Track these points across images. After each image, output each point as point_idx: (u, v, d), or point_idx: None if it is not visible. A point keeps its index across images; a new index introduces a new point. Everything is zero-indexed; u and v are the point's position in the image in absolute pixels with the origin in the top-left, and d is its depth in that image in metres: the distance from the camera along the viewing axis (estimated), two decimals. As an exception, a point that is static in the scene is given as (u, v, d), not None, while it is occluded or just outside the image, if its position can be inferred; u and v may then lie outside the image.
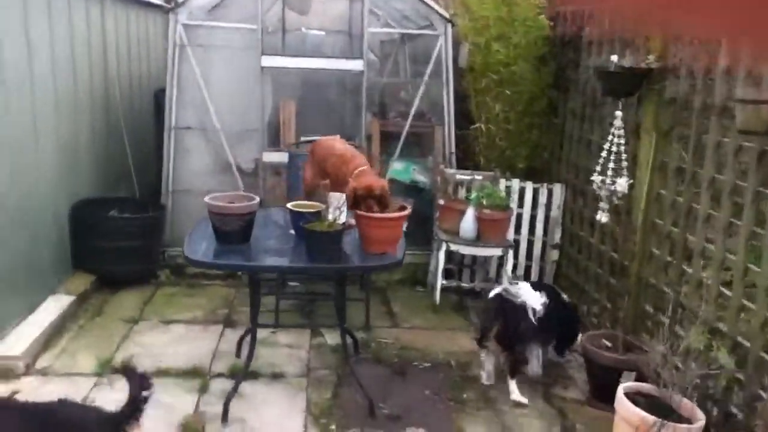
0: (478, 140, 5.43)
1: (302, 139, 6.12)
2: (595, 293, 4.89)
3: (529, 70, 5.22)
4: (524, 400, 3.76)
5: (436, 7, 5.31)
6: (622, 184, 3.98)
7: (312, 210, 3.31)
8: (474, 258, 5.32)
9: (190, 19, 5.19)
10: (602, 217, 4.12)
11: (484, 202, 4.81)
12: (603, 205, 4.10)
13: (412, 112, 5.49)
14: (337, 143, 3.57)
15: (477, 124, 5.27)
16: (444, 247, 4.82)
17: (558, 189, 5.32)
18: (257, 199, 3.29)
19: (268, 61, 5.15)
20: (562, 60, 5.32)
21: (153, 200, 5.47)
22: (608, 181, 4.03)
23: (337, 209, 3.12)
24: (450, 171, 5.30)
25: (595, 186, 4.08)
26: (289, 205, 3.40)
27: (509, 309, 3.80)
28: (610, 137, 4.05)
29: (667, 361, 3.20)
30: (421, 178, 5.57)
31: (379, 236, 3.18)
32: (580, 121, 5.16)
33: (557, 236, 5.39)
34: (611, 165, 4.03)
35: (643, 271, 4.15)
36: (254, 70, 5.16)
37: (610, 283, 4.61)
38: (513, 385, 3.78)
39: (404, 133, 5.49)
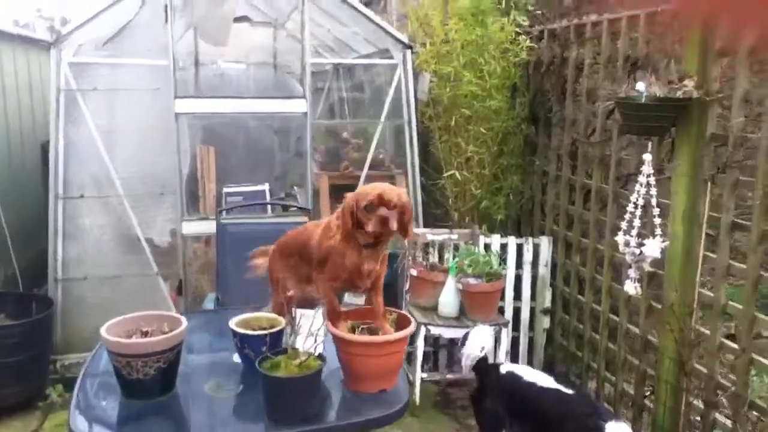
0: (449, 190, 4.48)
1: (227, 200, 5.05)
2: (608, 372, 3.99)
3: (503, 102, 4.34)
4: None
5: (392, 30, 4.35)
6: (654, 246, 3.11)
7: (268, 329, 2.25)
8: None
9: (79, 55, 4.02)
10: (631, 288, 3.23)
11: (469, 270, 3.85)
12: (632, 273, 3.21)
13: (368, 159, 4.49)
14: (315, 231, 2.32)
15: (450, 171, 4.32)
16: (422, 332, 3.82)
17: (545, 243, 4.44)
18: (183, 323, 2.19)
19: (183, 105, 4.04)
20: (542, 88, 4.47)
21: (40, 292, 4.22)
22: (633, 242, 3.15)
23: (310, 333, 2.05)
24: (418, 230, 4.32)
25: (621, 249, 3.19)
26: (232, 324, 2.32)
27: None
28: (637, 187, 3.18)
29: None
30: (382, 239, 4.57)
31: (374, 368, 2.15)
32: (570, 161, 4.31)
33: (547, 299, 4.49)
34: (636, 222, 3.16)
35: (683, 352, 3.28)
36: (166, 117, 4.04)
37: (629, 361, 3.73)
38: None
39: (359, 186, 4.48)
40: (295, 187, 5.30)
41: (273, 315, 2.39)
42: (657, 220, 3.12)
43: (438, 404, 4.06)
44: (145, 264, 4.19)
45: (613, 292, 3.89)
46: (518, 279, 4.38)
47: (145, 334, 2.17)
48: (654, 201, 3.14)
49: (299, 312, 2.17)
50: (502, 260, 4.07)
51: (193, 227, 4.15)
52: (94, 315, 4.13)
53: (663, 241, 3.14)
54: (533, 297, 4.48)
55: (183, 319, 2.22)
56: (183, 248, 4.17)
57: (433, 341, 4.29)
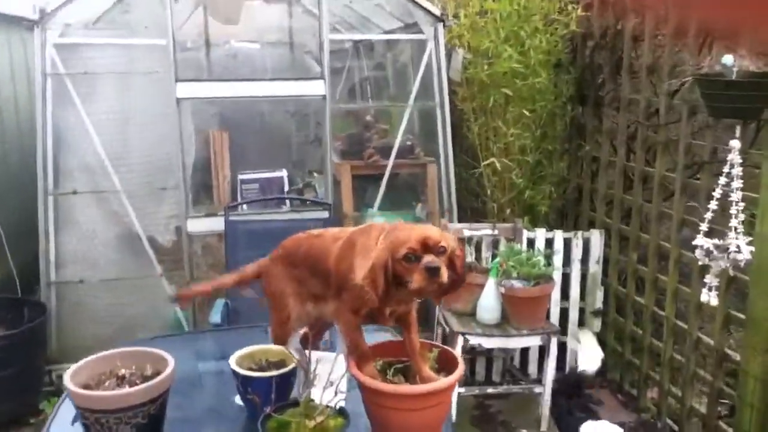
0: (486, 180, 3.97)
1: (242, 188, 4.59)
2: (672, 386, 3.49)
3: (547, 80, 3.81)
4: None
5: (421, 1, 3.82)
6: (744, 248, 2.58)
7: (274, 371, 1.79)
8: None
9: (66, 36, 3.56)
10: (711, 297, 2.71)
11: (513, 272, 3.35)
12: (711, 279, 2.69)
13: (396, 145, 3.99)
14: (329, 237, 1.86)
15: (489, 159, 3.80)
16: (459, 342, 3.33)
17: (596, 237, 3.92)
18: (170, 364, 1.73)
19: (185, 89, 3.57)
20: (592, 64, 3.93)
21: (35, 296, 3.82)
22: (714, 244, 2.62)
23: (329, 382, 1.58)
24: (453, 225, 3.82)
25: (699, 253, 2.66)
26: (232, 363, 1.85)
27: None
28: (722, 180, 2.64)
29: None
30: (411, 234, 4.09)
31: (411, 423, 1.68)
32: (627, 145, 3.78)
33: (599, 299, 3.98)
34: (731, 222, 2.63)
35: (773, 373, 2.76)
36: (167, 103, 3.58)
37: (699, 375, 3.22)
38: None
39: (386, 176, 3.99)
40: (315, 174, 4.84)
41: (281, 349, 1.92)
42: (740, 217, 2.60)
43: (476, 419, 3.60)
44: (147, 265, 3.76)
45: (681, 295, 3.37)
46: (565, 277, 3.87)
47: (122, 379, 1.72)
48: (739, 195, 2.61)
49: (315, 355, 1.70)
50: (548, 258, 3.55)
51: (199, 224, 3.71)
52: (92, 321, 3.74)
53: (748, 242, 2.62)
54: (582, 297, 3.98)
55: (169, 358, 1.76)
56: (188, 247, 3.72)
57: (470, 348, 3.80)
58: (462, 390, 3.42)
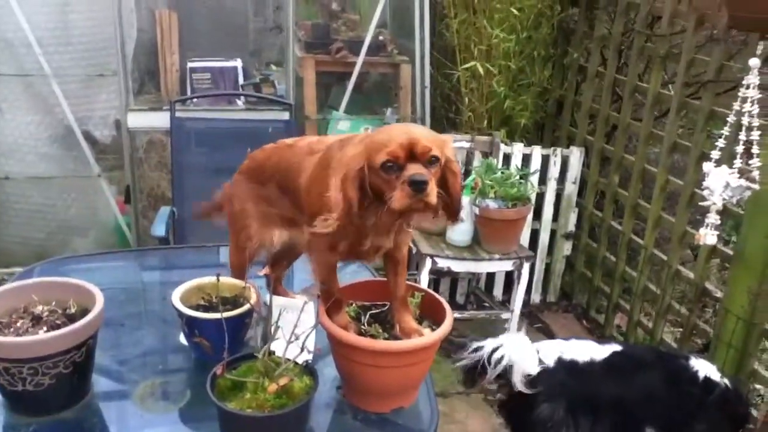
0: (465, 85, 3.62)
1: (192, 77, 4.12)
2: (644, 317, 3.37)
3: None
4: None
5: None
6: (754, 180, 2.35)
7: (228, 311, 1.49)
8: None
9: None
10: (707, 236, 2.49)
11: (489, 192, 3.08)
12: (713, 217, 2.46)
13: (367, 41, 3.57)
14: (301, 147, 1.51)
15: (470, 63, 3.44)
16: (428, 265, 3.09)
17: (576, 155, 3.66)
18: (98, 300, 1.41)
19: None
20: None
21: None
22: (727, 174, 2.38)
23: (295, 336, 1.29)
24: (425, 135, 3.49)
25: (707, 189, 2.42)
26: (175, 300, 1.54)
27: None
28: (737, 105, 2.36)
29: None
30: (378, 141, 3.75)
31: (388, 381, 1.42)
32: (617, 55, 3.46)
33: (571, 222, 3.78)
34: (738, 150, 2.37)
35: (759, 314, 2.62)
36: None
37: (675, 309, 3.08)
38: None
39: (354, 75, 3.59)
40: (273, 66, 4.38)
41: (235, 281, 1.62)
42: (756, 150, 2.35)
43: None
44: (83, 163, 3.34)
45: (664, 224, 3.18)
46: (538, 197, 3.63)
47: (38, 319, 1.40)
48: (756, 122, 2.34)
49: (279, 302, 1.40)
50: (524, 177, 3.28)
51: (141, 119, 3.29)
52: (21, 222, 3.36)
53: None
54: (554, 218, 3.76)
55: (97, 293, 1.44)
56: (130, 145, 3.31)
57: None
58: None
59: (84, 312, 1.41)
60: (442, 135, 1.33)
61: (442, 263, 3.11)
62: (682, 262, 3.15)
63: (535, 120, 3.88)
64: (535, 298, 3.82)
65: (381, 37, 3.71)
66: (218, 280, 1.49)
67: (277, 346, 1.33)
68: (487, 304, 3.58)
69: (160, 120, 3.17)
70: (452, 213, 1.31)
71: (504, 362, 2.10)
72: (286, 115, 3.20)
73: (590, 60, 3.64)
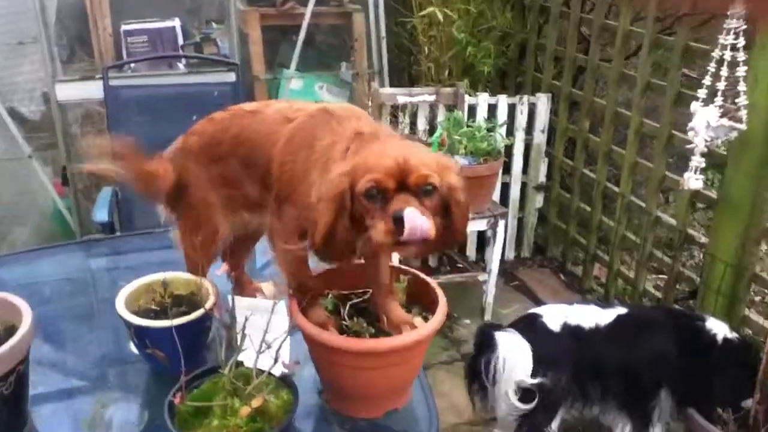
0: (423, 33, 3.37)
1: (127, 41, 3.77)
2: (624, 268, 3.25)
3: None
4: None
5: None
6: (741, 119, 2.21)
7: (177, 318, 1.28)
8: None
9: None
10: (691, 180, 2.35)
11: (459, 148, 2.88)
12: (696, 160, 2.32)
13: (315, -10, 3.28)
14: (268, 111, 1.28)
15: (428, 8, 3.19)
16: (398, 228, 2.89)
17: (543, 102, 3.48)
18: (26, 316, 1.18)
19: None
20: None
21: None
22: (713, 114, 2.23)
23: (266, 345, 1.08)
24: (385, 90, 3.26)
25: (692, 131, 2.27)
26: (119, 306, 1.31)
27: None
28: (721, 40, 2.20)
29: None
30: (334, 99, 3.50)
31: (375, 383, 1.23)
32: (581, -6, 3.26)
33: (542, 173, 3.63)
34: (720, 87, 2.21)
35: (747, 258, 2.51)
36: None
37: (656, 257, 2.97)
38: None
39: (303, 28, 3.30)
40: (214, 24, 4.04)
41: (194, 278, 1.40)
42: (742, 87, 2.20)
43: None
44: (11, 143, 3.01)
45: (640, 170, 3.04)
46: (507, 149, 3.44)
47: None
48: (741, 56, 2.18)
49: (243, 303, 1.18)
50: (491, 130, 3.07)
51: (72, 90, 2.97)
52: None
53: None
54: (524, 170, 3.60)
55: (24, 307, 1.21)
56: (62, 120, 3.00)
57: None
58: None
59: (10, 331, 1.18)
60: (445, 158, 1.12)
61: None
62: (660, 207, 3.02)
63: (498, 67, 3.67)
64: (509, 254, 3.67)
65: (330, -15, 3.43)
66: (165, 285, 1.26)
67: (246, 357, 1.12)
68: (461, 265, 3.41)
69: (94, 90, 2.85)
70: (449, 244, 1.11)
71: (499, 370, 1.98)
72: (232, 77, 2.92)
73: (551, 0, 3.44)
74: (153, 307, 1.37)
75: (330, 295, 1.30)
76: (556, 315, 2.17)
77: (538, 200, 3.67)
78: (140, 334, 1.29)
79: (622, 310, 2.20)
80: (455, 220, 1.09)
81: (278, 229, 1.20)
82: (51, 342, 1.46)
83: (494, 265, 3.07)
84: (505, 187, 3.55)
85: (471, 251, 3.58)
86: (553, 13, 3.45)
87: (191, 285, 1.41)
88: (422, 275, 1.36)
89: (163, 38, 4.14)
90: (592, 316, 2.17)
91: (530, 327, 2.15)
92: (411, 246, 1.03)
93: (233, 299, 1.14)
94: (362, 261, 1.26)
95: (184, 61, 3.39)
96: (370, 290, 1.30)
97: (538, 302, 3.35)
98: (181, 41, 3.74)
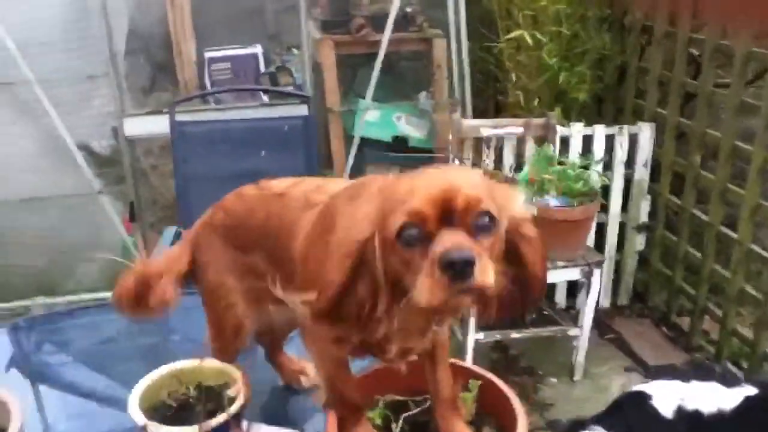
0: (509, 59, 3.09)
1: (211, 69, 3.69)
2: (740, 326, 2.83)
3: None
4: None
5: None
6: None
7: (215, 397, 1.07)
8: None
9: None
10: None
11: (549, 188, 2.57)
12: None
13: (392, 15, 3.05)
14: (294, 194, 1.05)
15: (516, 31, 2.91)
16: (479, 276, 2.60)
17: (646, 133, 3.11)
18: (15, 417, 0.99)
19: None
20: None
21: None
22: None
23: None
24: (468, 121, 2.99)
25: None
26: (132, 406, 1.11)
27: None
28: None
29: None
30: (414, 131, 3.26)
31: None
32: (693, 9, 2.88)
33: (644, 212, 3.24)
34: None
35: None
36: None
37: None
38: None
39: (380, 55, 3.08)
40: (295, 51, 3.91)
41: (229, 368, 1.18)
42: None
43: (494, 364, 2.94)
44: (80, 179, 2.95)
45: (763, 213, 2.62)
46: (604, 186, 3.08)
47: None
48: None
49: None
50: (586, 167, 2.72)
51: (140, 125, 2.87)
52: (17, 251, 3.00)
53: None
54: (623, 208, 3.22)
55: (14, 405, 1.02)
56: (130, 155, 2.91)
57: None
58: (480, 336, 2.72)
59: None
60: (499, 183, 0.84)
61: (496, 275, 2.61)
62: (790, 259, 2.60)
63: (594, 93, 3.32)
64: (604, 302, 3.29)
65: (408, 9, 3.19)
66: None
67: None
68: (546, 312, 3.07)
69: (162, 125, 2.73)
70: (527, 301, 0.83)
71: None
72: (304, 110, 2.73)
73: (656, 18, 3.07)
74: (177, 401, 1.17)
75: (379, 403, 1.05)
76: (668, 395, 1.80)
77: (639, 242, 3.28)
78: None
79: (751, 391, 1.81)
80: (528, 265, 0.82)
81: (310, 328, 0.96)
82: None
83: (587, 320, 2.73)
84: (601, 227, 3.19)
85: (560, 297, 3.23)
86: (657, 32, 3.09)
87: (224, 375, 1.20)
88: (498, 381, 1.08)
89: (246, 65, 4.04)
90: (714, 397, 1.79)
91: (636, 412, 1.80)
92: (466, 304, 0.78)
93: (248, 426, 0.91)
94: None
95: (260, 93, 3.26)
96: (428, 395, 1.04)
97: (636, 359, 2.97)
98: (263, 68, 3.62)
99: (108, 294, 2.82)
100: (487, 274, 0.73)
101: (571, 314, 3.13)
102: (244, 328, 1.13)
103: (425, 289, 0.73)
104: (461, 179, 0.77)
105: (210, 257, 1.13)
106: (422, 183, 0.77)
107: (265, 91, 3.10)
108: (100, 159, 3.04)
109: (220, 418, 1.06)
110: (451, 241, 0.72)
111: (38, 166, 2.94)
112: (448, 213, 0.74)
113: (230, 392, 1.13)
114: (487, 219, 0.76)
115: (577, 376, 2.81)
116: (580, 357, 2.78)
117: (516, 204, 0.82)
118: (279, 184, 1.08)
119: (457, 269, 0.71)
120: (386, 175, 0.86)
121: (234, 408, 1.08)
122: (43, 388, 1.50)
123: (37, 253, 3.01)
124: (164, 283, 1.14)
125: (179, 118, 2.63)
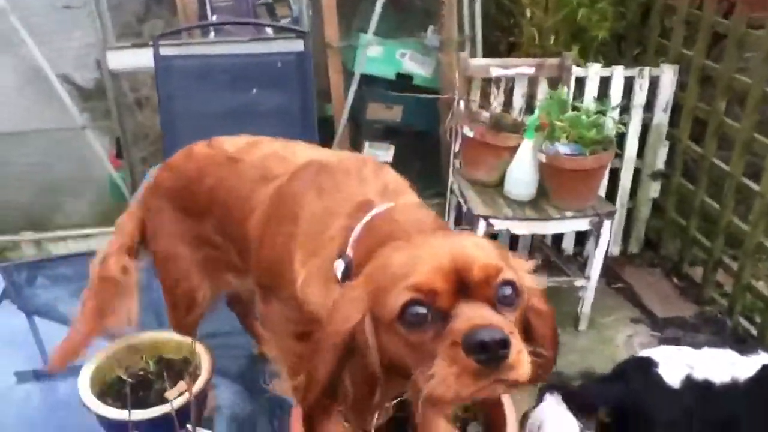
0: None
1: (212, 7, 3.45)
2: (754, 280, 2.69)
3: None
4: None
5: None
6: None
7: (176, 369, 0.97)
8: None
9: None
10: None
11: (560, 134, 2.40)
12: None
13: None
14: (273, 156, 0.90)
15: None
16: (481, 227, 2.46)
17: (668, 75, 2.90)
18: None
19: None
20: None
21: None
22: None
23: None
24: (477, 61, 2.79)
25: None
26: (82, 385, 0.99)
27: None
28: None
29: None
30: (419, 69, 3.06)
31: None
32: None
33: (661, 159, 3.06)
34: None
35: None
36: None
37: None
38: None
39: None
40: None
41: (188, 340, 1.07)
42: None
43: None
44: (64, 113, 2.79)
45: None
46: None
47: None
48: None
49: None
50: (602, 112, 2.53)
51: (125, 58, 2.69)
52: (1, 185, 2.89)
53: None
54: (639, 154, 3.04)
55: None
56: (115, 90, 2.74)
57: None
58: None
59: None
60: (504, 251, 0.70)
61: (500, 225, 2.48)
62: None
63: (615, 32, 3.09)
64: (614, 249, 3.16)
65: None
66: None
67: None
68: (553, 260, 2.94)
69: (147, 59, 2.55)
70: (534, 378, 0.69)
71: None
72: (299, 45, 2.54)
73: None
74: (133, 377, 1.06)
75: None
76: (676, 364, 1.68)
77: (653, 189, 3.12)
78: (107, 425, 0.98)
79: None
80: (538, 340, 0.70)
81: (268, 318, 0.83)
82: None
83: (594, 272, 2.61)
84: (614, 173, 3.02)
85: (568, 243, 3.10)
86: (687, -34, 2.83)
87: (184, 349, 1.08)
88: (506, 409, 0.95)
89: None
90: (726, 366, 1.67)
91: (640, 379, 1.69)
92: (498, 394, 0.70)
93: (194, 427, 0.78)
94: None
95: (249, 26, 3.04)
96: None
97: (644, 310, 2.87)
98: (261, -2, 3.38)
99: (96, 230, 2.70)
100: (522, 361, 0.60)
101: (579, 262, 3.02)
102: (197, 301, 1.01)
103: (447, 378, 0.59)
104: (471, 245, 0.64)
105: (159, 223, 1.00)
106: (425, 252, 0.63)
107: (256, 26, 2.88)
108: (85, 92, 2.87)
109: (178, 398, 0.95)
110: (477, 316, 0.59)
111: (19, 99, 2.78)
112: (463, 286, 0.61)
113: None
114: (509, 290, 0.63)
115: (582, 326, 2.72)
116: (586, 307, 2.69)
117: (528, 274, 0.70)
118: (233, 144, 0.93)
119: (490, 352, 0.58)
120: (359, 157, 0.71)
121: (198, 383, 0.97)
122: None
123: (24, 188, 2.89)
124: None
125: (165, 51, 2.44)
